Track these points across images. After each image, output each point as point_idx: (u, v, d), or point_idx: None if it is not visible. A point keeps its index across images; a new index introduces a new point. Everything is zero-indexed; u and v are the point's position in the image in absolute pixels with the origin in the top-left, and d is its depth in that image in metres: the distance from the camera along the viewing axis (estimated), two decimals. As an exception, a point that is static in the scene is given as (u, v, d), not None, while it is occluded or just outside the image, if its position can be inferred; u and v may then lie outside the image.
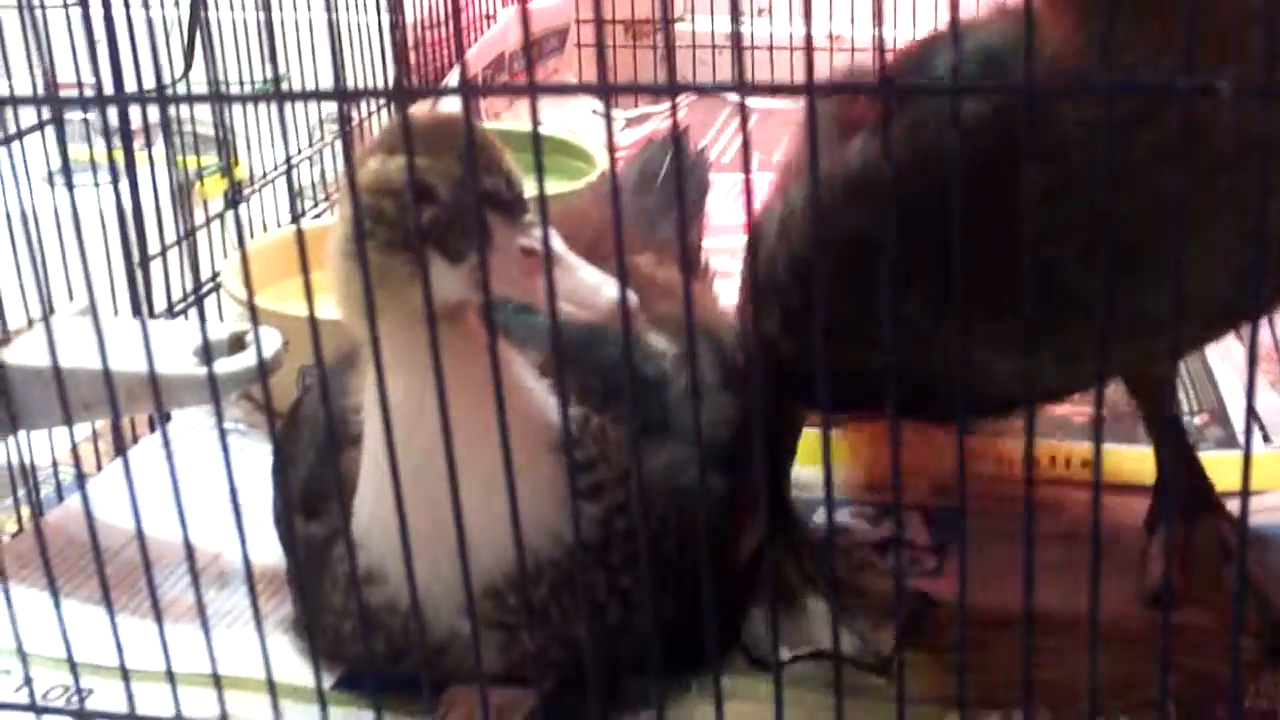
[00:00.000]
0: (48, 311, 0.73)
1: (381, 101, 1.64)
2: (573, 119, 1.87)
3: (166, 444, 0.71)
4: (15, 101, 0.67)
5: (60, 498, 1.12)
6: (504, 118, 1.91)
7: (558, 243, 0.76)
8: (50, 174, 1.10)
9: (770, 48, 2.13)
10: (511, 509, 0.63)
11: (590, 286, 0.76)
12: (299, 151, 1.53)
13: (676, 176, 1.20)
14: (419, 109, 0.96)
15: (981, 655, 0.91)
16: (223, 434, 0.70)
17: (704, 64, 2.21)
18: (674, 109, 0.52)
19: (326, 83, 1.49)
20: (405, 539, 0.65)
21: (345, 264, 0.79)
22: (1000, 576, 0.92)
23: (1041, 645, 0.91)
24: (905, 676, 0.88)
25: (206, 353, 0.67)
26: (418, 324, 0.73)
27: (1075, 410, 1.26)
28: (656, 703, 0.67)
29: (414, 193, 0.74)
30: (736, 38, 0.57)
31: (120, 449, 1.18)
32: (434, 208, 0.77)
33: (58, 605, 0.74)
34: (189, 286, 1.33)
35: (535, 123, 0.57)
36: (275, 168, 1.50)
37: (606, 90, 0.59)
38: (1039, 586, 0.61)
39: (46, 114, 1.12)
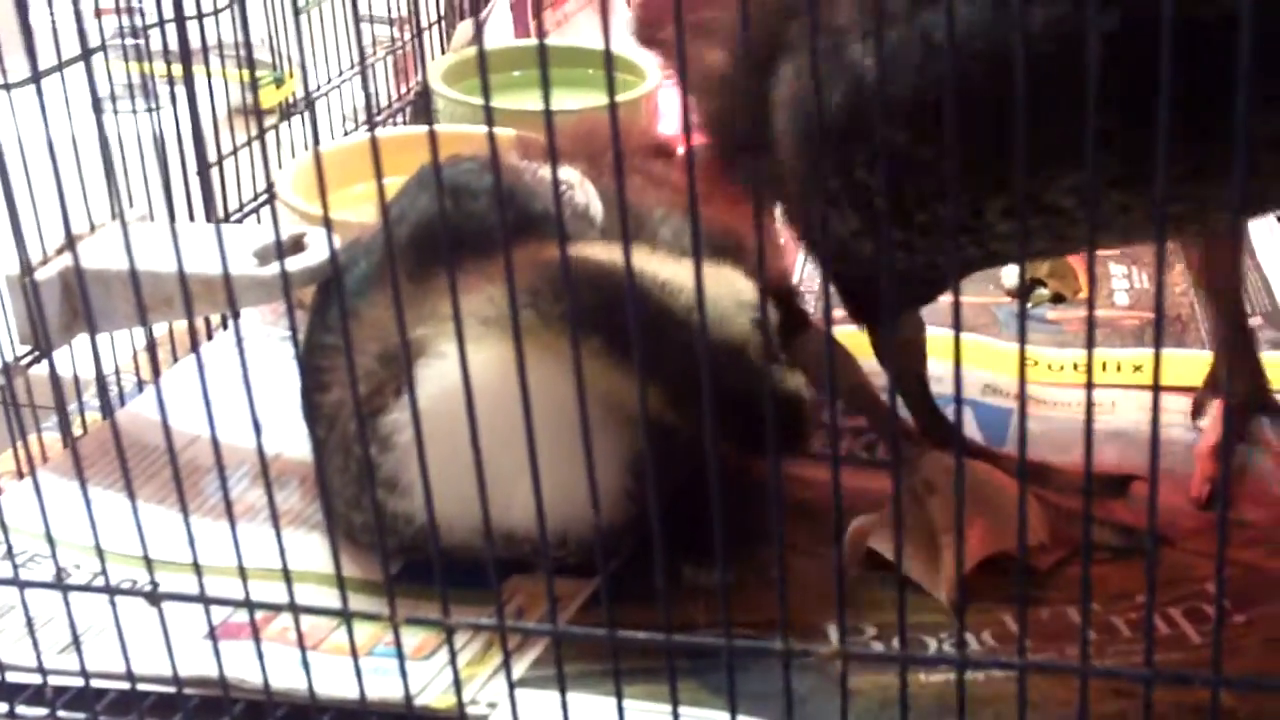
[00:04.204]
0: (122, 216, 0.74)
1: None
2: (616, 37, 1.87)
3: (239, 342, 0.72)
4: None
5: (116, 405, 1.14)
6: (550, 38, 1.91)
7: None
8: (95, 101, 1.11)
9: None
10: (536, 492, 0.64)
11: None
12: (352, 66, 1.53)
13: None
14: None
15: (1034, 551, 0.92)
16: (293, 327, 0.71)
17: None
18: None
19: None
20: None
21: None
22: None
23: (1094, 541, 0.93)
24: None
25: (279, 250, 0.68)
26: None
27: (1125, 315, 1.27)
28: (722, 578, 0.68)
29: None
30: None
31: (173, 354, 1.20)
32: None
33: (133, 500, 0.75)
34: (244, 198, 1.34)
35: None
36: (329, 81, 1.51)
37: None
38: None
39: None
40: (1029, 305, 1.28)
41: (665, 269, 0.84)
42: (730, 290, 0.86)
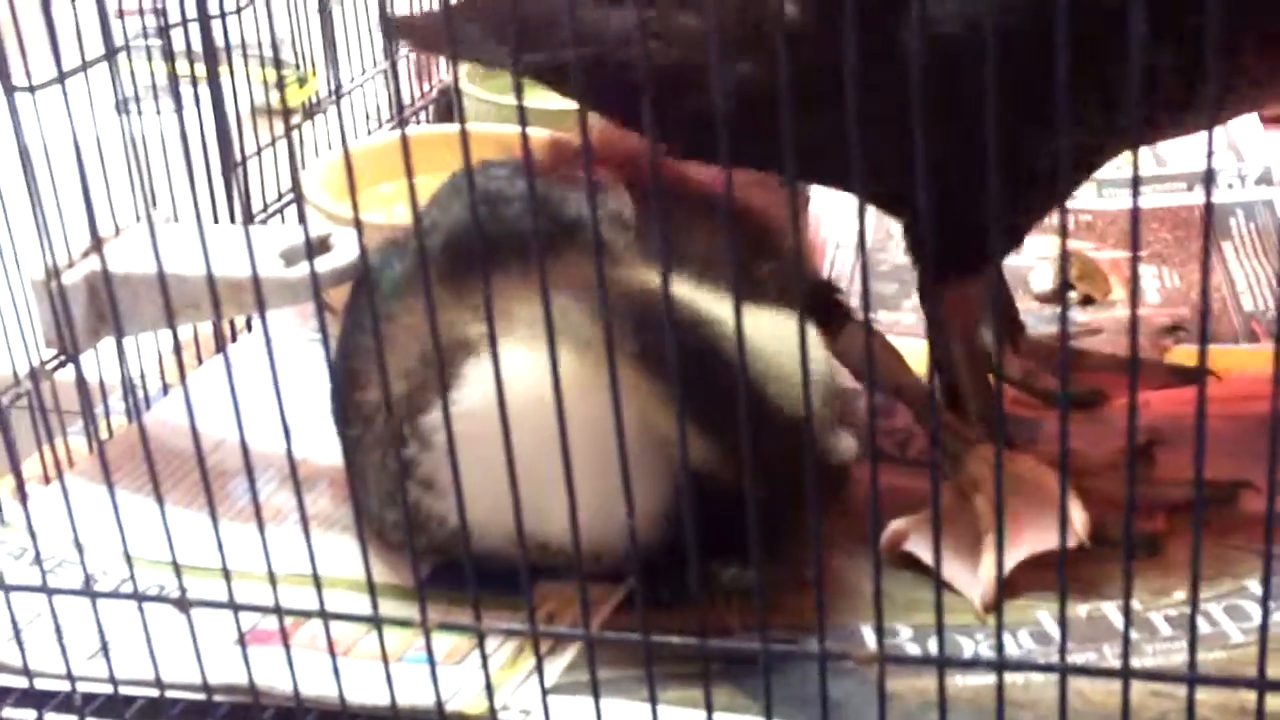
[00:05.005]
0: (149, 218, 0.73)
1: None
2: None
3: (268, 344, 0.72)
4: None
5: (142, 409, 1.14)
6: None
7: None
8: (119, 102, 1.12)
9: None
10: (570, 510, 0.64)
11: None
12: (375, 65, 1.53)
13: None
14: None
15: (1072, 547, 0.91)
16: (322, 329, 0.70)
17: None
18: None
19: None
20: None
21: None
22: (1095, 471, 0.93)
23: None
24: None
25: (309, 249, 0.67)
26: None
27: (1156, 313, 1.26)
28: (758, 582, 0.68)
29: None
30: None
31: (198, 357, 1.20)
32: None
33: (161, 505, 0.75)
34: (268, 198, 1.34)
35: None
36: (352, 80, 1.51)
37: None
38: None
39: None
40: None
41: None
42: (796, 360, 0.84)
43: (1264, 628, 0.63)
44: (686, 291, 0.83)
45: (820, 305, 1.01)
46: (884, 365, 1.04)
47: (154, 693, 0.80)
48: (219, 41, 1.25)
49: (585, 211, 0.86)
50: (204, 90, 1.23)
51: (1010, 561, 0.89)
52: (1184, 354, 1.17)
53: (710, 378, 0.79)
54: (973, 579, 0.89)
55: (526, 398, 0.68)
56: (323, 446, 1.02)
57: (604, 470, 0.64)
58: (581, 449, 0.64)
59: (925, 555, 0.90)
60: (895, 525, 0.92)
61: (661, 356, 0.78)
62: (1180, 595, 0.88)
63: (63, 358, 1.06)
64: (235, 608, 0.73)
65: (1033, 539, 0.88)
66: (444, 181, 0.98)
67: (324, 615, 0.72)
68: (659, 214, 0.60)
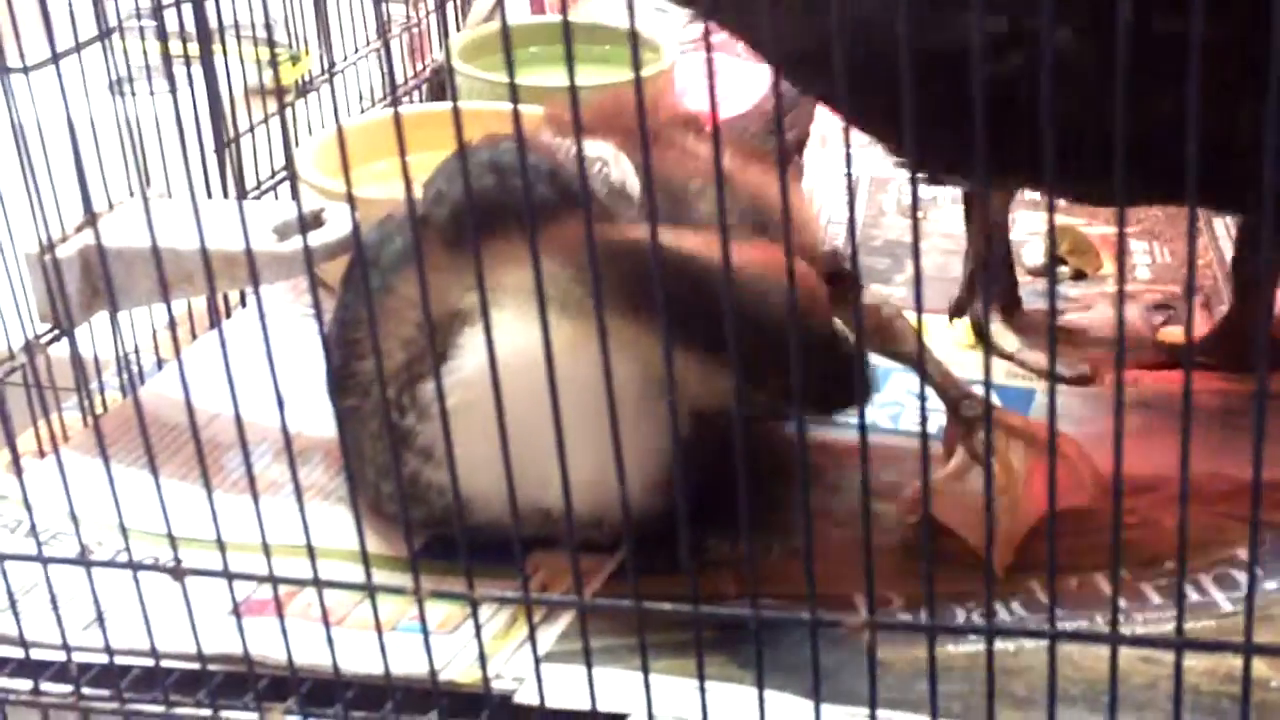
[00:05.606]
0: (144, 192, 0.74)
1: None
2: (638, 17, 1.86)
3: (262, 318, 0.72)
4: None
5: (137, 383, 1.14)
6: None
7: None
8: (112, 82, 1.12)
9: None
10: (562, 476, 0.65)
11: None
12: (367, 44, 1.53)
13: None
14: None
15: (1062, 518, 0.91)
16: (315, 303, 0.70)
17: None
18: None
19: None
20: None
21: None
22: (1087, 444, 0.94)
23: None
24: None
25: (301, 225, 0.67)
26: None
27: (1147, 289, 1.26)
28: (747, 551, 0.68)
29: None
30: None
31: (192, 332, 1.20)
32: None
33: (156, 478, 0.75)
34: (262, 175, 1.34)
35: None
36: (345, 59, 1.51)
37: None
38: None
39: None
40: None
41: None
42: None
43: (1250, 595, 0.63)
44: (669, 234, 0.83)
45: (828, 275, 1.01)
46: (899, 338, 1.04)
47: (149, 662, 0.80)
48: (212, 21, 1.25)
49: (592, 183, 0.86)
50: (198, 70, 1.24)
51: (1033, 520, 0.90)
52: (1176, 332, 1.17)
53: (706, 303, 0.78)
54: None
55: (522, 366, 0.68)
56: (317, 420, 1.02)
57: (604, 436, 0.65)
58: (580, 415, 0.65)
59: (944, 516, 0.91)
60: (915, 488, 0.93)
61: (652, 299, 0.78)
62: (1170, 565, 0.89)
63: (57, 331, 1.07)
64: (229, 577, 0.74)
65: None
66: (451, 153, 0.98)
67: (318, 584, 0.72)
68: (649, 180, 0.60)
